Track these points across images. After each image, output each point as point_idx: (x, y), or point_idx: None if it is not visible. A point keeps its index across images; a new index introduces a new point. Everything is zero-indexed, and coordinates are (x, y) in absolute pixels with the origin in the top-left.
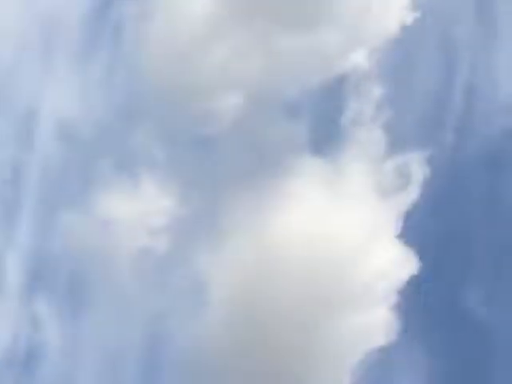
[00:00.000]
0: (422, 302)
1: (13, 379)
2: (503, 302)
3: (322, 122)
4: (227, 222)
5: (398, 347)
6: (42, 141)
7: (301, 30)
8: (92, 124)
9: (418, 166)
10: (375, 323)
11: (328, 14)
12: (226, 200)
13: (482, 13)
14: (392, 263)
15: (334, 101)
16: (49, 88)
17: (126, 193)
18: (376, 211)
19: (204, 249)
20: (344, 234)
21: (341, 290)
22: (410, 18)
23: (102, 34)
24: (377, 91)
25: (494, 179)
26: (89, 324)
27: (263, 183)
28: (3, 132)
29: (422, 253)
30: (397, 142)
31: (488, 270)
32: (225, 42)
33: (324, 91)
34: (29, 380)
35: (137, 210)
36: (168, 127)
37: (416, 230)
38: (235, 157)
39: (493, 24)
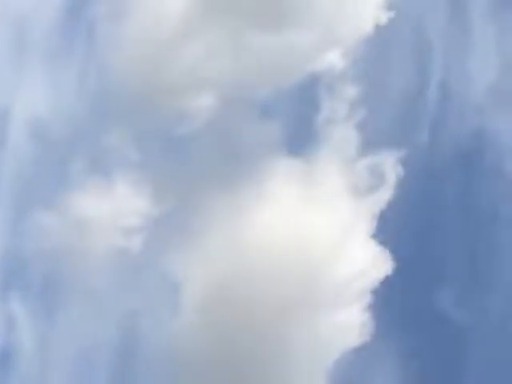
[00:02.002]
0: (396, 302)
1: None
2: (477, 302)
3: (296, 122)
4: (201, 222)
5: (372, 347)
6: (14, 141)
7: (274, 30)
8: (65, 124)
9: (391, 166)
10: (350, 323)
11: (302, 14)
12: (199, 200)
13: (456, 13)
14: (366, 263)
15: (307, 101)
16: (22, 88)
17: (100, 193)
18: (350, 211)
19: (178, 249)
20: (318, 233)
21: (315, 290)
22: (384, 17)
23: (75, 34)
24: (351, 91)
25: (468, 179)
26: (63, 323)
27: (237, 183)
28: None
29: (397, 253)
30: (371, 142)
31: (462, 270)
32: (197, 41)
33: (298, 91)
34: (3, 379)
35: (110, 210)
36: (141, 127)
37: (390, 230)
38: (209, 157)
39: (466, 24)
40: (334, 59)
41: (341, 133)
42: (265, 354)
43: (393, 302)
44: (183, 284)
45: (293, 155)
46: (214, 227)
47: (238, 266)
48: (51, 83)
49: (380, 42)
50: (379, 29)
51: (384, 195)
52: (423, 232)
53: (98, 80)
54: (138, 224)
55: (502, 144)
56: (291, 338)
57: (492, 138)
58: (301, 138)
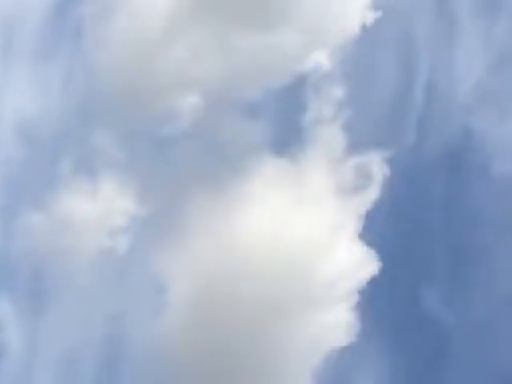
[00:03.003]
0: (382, 302)
1: None
2: (462, 302)
3: (283, 123)
4: (187, 222)
5: (359, 347)
6: (1, 141)
7: (261, 30)
8: (52, 124)
9: (378, 166)
10: (336, 323)
11: (288, 14)
12: (185, 200)
13: (443, 12)
14: (353, 263)
15: (294, 101)
16: (9, 88)
17: (87, 193)
18: (337, 211)
19: (165, 249)
20: (305, 233)
21: (302, 291)
22: (370, 17)
23: (62, 34)
24: (337, 91)
25: (455, 179)
26: (50, 324)
27: (223, 183)
28: None
29: (383, 253)
30: (357, 142)
31: (448, 270)
32: (184, 42)
33: (284, 91)
34: None
35: (97, 210)
36: (127, 127)
37: (377, 230)
38: (195, 157)
39: (453, 24)
40: (320, 59)
41: (327, 133)
42: (252, 353)
43: (379, 301)
44: (170, 284)
45: (279, 155)
46: (200, 227)
47: (224, 266)
48: (38, 83)
49: (366, 42)
50: (365, 29)
51: (371, 195)
52: (410, 232)
53: (85, 80)
54: (124, 224)
55: (488, 144)
56: (278, 338)
57: (479, 137)
58: (287, 139)
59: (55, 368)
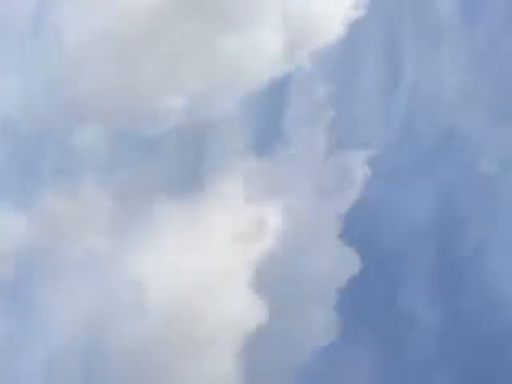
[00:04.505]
0: (363, 302)
1: None
2: (443, 302)
3: (265, 123)
4: (168, 223)
5: (339, 346)
6: None
7: (244, 31)
8: (34, 123)
9: (359, 166)
10: (317, 323)
11: (272, 14)
12: (167, 201)
13: (426, 13)
14: (333, 263)
15: (277, 101)
16: None
17: (68, 193)
18: (317, 211)
19: (143, 250)
20: (286, 233)
21: (284, 290)
22: (353, 17)
23: (44, 34)
24: (320, 91)
25: (438, 179)
26: (31, 324)
27: (205, 185)
28: None
29: (363, 253)
30: (339, 142)
31: (427, 270)
32: (168, 43)
33: (267, 91)
34: None
35: (78, 209)
36: (110, 128)
37: (357, 230)
38: (178, 158)
39: (437, 23)
40: (303, 59)
41: (309, 133)
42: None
43: (360, 301)
44: (148, 285)
45: (261, 156)
46: (180, 229)
47: (202, 268)
48: (21, 83)
49: (349, 41)
50: (349, 28)
51: (351, 195)
52: (390, 232)
53: (68, 80)
54: (105, 224)
55: (471, 144)
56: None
57: (462, 137)
58: (269, 139)
59: (36, 368)
